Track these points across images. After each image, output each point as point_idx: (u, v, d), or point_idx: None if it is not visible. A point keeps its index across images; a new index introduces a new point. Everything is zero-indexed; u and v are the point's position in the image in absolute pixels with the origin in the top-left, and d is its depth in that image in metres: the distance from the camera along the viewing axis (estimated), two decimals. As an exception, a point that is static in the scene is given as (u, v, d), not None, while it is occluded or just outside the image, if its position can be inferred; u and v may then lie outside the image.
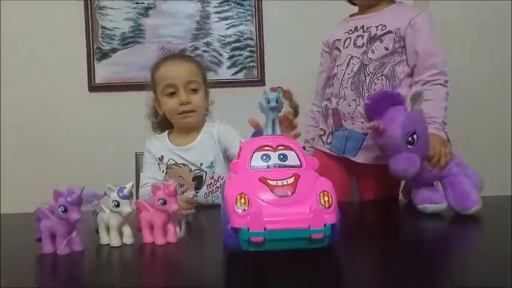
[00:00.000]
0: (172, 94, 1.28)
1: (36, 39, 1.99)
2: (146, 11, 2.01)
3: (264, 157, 0.74)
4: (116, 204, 0.81)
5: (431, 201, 1.04)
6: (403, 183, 1.28)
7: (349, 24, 1.35)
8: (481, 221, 0.98)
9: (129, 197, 0.82)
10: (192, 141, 1.32)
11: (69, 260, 0.76)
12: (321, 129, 1.41)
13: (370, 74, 1.27)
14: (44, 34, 1.99)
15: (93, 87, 2.01)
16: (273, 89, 0.80)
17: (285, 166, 0.73)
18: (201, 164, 1.29)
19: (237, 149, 0.82)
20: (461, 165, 1.10)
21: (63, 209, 0.76)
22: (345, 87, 1.30)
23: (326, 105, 1.38)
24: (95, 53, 2.00)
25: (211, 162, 1.29)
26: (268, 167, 0.73)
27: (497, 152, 1.74)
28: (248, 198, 0.66)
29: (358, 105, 1.28)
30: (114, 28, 2.00)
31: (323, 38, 1.45)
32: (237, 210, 0.66)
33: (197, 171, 1.29)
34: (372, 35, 1.28)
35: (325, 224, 0.65)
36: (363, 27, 1.31)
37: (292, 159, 0.74)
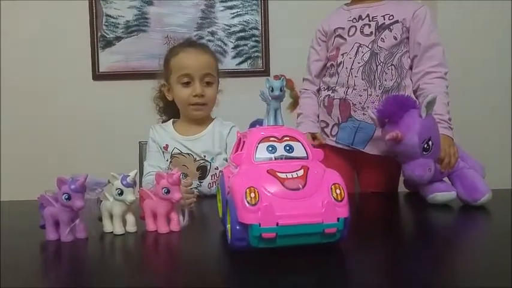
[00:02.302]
0: (187, 84, 1.28)
1: (40, 27, 1.99)
2: (151, -1, 2.00)
3: (270, 148, 0.71)
4: (120, 192, 0.81)
5: (440, 190, 1.05)
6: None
7: (352, 13, 1.33)
8: (488, 213, 0.99)
9: (132, 185, 0.82)
10: (199, 132, 1.32)
11: (73, 247, 0.76)
12: (322, 121, 1.37)
13: (381, 64, 1.26)
14: (48, 22, 1.99)
15: (97, 76, 2.01)
16: (276, 77, 0.76)
17: (292, 158, 0.70)
18: (205, 156, 1.29)
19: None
20: (464, 158, 1.13)
21: (66, 197, 0.76)
22: (355, 76, 1.27)
23: (329, 95, 1.34)
24: (99, 41, 2.00)
25: (215, 156, 1.29)
26: (274, 158, 0.70)
27: (497, 150, 1.74)
28: (258, 192, 0.63)
29: (369, 94, 1.26)
30: (119, 16, 2.00)
31: (318, 27, 1.42)
32: (246, 204, 0.62)
33: (201, 161, 1.29)
34: (379, 24, 1.28)
35: (338, 218, 0.63)
36: (368, 16, 1.30)
37: (299, 150, 0.71)
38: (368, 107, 1.25)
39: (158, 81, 1.37)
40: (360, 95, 1.27)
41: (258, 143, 0.71)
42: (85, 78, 2.01)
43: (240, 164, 0.71)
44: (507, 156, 1.76)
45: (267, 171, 0.66)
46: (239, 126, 1.33)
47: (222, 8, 2.01)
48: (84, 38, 1.99)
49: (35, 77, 2.00)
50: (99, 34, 2.00)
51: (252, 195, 0.62)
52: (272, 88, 0.74)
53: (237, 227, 0.64)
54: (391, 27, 1.27)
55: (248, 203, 0.62)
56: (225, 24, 2.02)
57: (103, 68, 2.01)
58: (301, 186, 0.64)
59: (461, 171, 1.09)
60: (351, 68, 1.29)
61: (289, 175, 0.65)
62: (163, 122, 1.40)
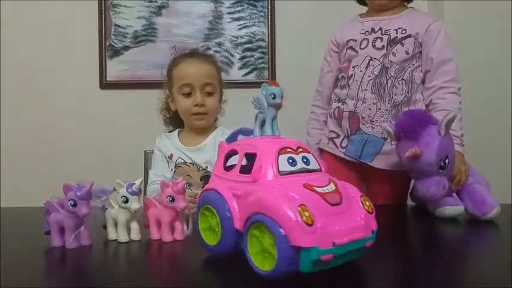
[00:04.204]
0: (188, 94, 1.28)
1: (49, 35, 2.01)
2: (159, 10, 2.02)
3: (290, 160, 0.64)
4: (125, 200, 0.81)
5: (449, 203, 1.05)
6: (410, 185, 1.28)
7: (365, 25, 1.33)
8: (497, 226, 1.00)
9: (138, 193, 0.82)
10: (200, 143, 1.32)
11: (77, 254, 0.77)
12: (332, 131, 1.37)
13: (391, 78, 1.26)
14: (57, 31, 2.01)
15: (104, 85, 2.03)
16: (274, 83, 0.70)
17: (309, 171, 0.65)
18: (207, 167, 1.29)
19: None
20: (472, 174, 1.12)
21: (72, 203, 0.77)
22: (365, 90, 1.27)
23: (339, 107, 1.34)
24: (107, 51, 2.02)
25: None
26: (293, 172, 0.63)
27: (497, 161, 1.73)
28: (310, 210, 0.56)
29: (379, 108, 1.26)
30: (127, 26, 2.02)
31: (330, 38, 1.41)
32: (303, 225, 0.54)
33: (204, 171, 1.29)
34: (391, 37, 1.27)
35: (372, 231, 0.61)
36: (381, 29, 1.29)
37: (313, 162, 0.67)
38: (377, 120, 1.26)
39: (164, 91, 1.38)
40: (369, 109, 1.27)
41: (278, 155, 0.64)
42: (92, 86, 2.03)
43: (258, 179, 0.62)
44: (507, 168, 1.75)
45: (304, 186, 0.59)
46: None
47: (230, 20, 2.03)
48: (93, 46, 2.01)
49: (43, 85, 2.02)
50: (107, 43, 2.02)
51: (306, 214, 0.55)
52: (274, 95, 0.69)
53: (288, 252, 0.55)
54: (403, 41, 1.26)
55: (305, 223, 0.54)
56: (232, 36, 2.03)
57: (110, 77, 2.03)
58: (339, 201, 0.60)
59: (471, 186, 1.09)
60: (361, 81, 1.28)
61: (325, 189, 0.60)
62: (170, 132, 1.41)
